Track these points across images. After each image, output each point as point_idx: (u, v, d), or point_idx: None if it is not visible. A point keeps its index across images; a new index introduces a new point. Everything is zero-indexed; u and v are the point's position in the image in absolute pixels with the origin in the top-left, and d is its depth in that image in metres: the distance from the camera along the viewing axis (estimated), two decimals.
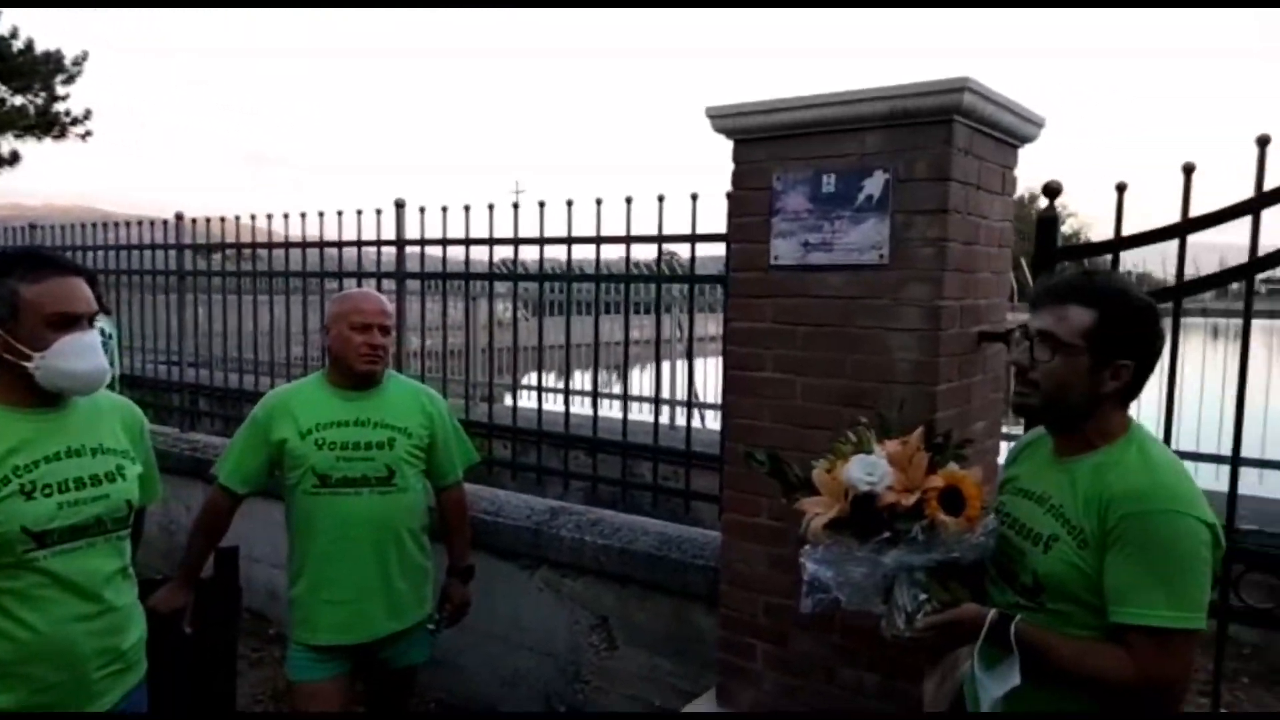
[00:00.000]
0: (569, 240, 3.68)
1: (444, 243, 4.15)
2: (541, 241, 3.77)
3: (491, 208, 3.98)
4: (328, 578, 2.54)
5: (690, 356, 3.50)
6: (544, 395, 3.96)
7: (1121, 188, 2.38)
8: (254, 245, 5.35)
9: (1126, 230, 2.37)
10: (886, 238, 2.41)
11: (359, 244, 4.57)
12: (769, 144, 2.60)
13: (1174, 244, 2.29)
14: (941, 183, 2.33)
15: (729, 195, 2.72)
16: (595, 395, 3.79)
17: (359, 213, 4.53)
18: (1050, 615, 1.62)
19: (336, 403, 2.58)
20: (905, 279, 2.39)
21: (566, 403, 3.89)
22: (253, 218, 5.17)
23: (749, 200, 2.67)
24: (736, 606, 2.76)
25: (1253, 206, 2.18)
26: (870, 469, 1.72)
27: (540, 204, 3.77)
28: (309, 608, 2.58)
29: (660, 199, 3.42)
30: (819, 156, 2.52)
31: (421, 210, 4.29)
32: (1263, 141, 2.17)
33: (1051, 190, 2.45)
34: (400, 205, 4.45)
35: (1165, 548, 1.49)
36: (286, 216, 4.96)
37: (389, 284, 4.53)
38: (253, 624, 4.45)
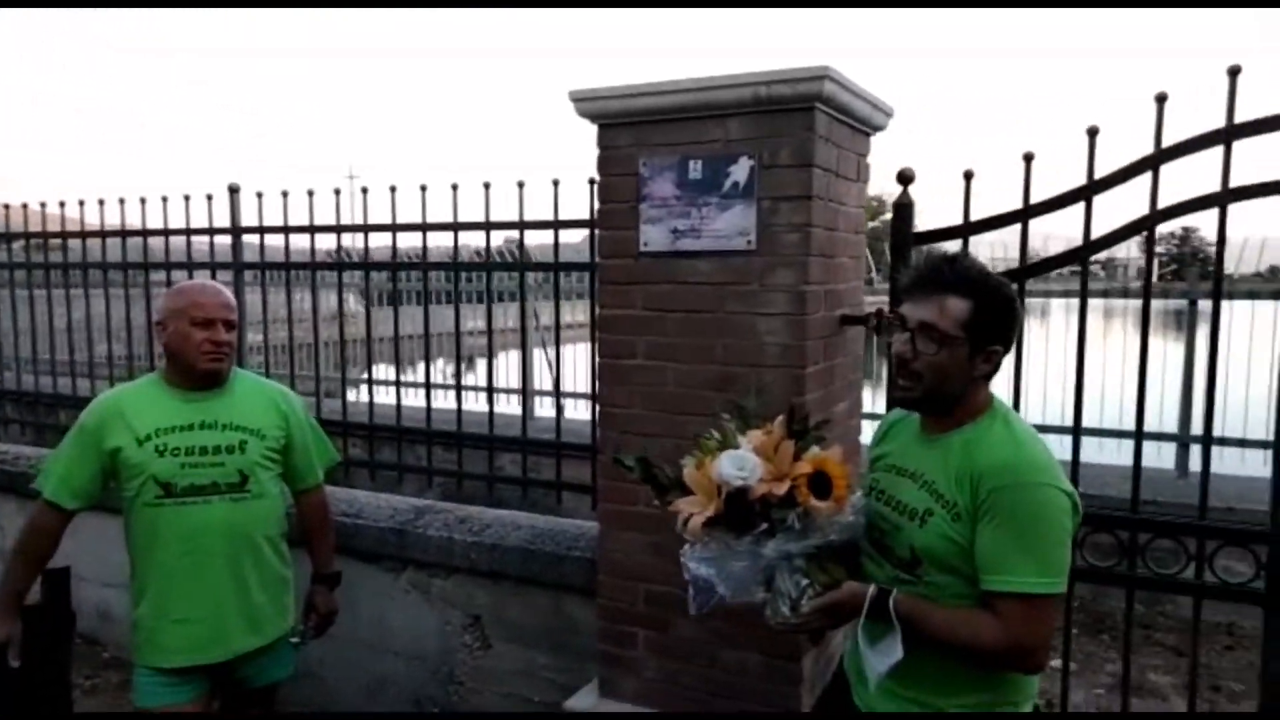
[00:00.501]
0: (423, 227, 3.53)
1: (285, 230, 3.90)
2: (394, 229, 3.60)
3: (338, 192, 3.78)
4: (177, 595, 2.34)
5: (558, 345, 3.44)
6: (399, 390, 3.78)
7: (969, 175, 2.50)
8: (63, 235, 4.86)
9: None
10: (754, 224, 2.43)
11: (188, 232, 4.22)
12: (634, 129, 2.57)
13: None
14: (805, 169, 2.37)
15: (597, 181, 2.67)
16: (459, 388, 3.67)
17: (186, 198, 4.19)
18: (928, 587, 1.69)
19: (177, 405, 2.37)
20: (772, 264, 2.43)
21: (429, 396, 3.75)
22: (62, 205, 4.69)
23: (616, 186, 2.63)
24: (616, 596, 2.74)
25: (1085, 193, 2.35)
26: (740, 464, 1.72)
27: (391, 189, 3.59)
28: (156, 629, 2.37)
29: (520, 185, 3.34)
30: (685, 143, 2.51)
31: (259, 195, 4.02)
32: (1092, 132, 2.33)
33: (905, 177, 2.55)
34: (234, 190, 4.15)
35: (1031, 518, 1.58)
36: (102, 203, 4.53)
37: (224, 275, 4.23)
38: (84, 650, 4.08)
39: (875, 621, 1.68)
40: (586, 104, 2.60)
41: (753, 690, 2.56)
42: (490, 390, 3.71)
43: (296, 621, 2.64)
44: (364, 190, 3.66)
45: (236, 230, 4.11)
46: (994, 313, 1.69)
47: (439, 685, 3.51)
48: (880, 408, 2.70)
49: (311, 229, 3.81)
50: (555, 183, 3.28)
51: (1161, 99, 2.23)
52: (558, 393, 3.39)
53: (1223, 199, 2.20)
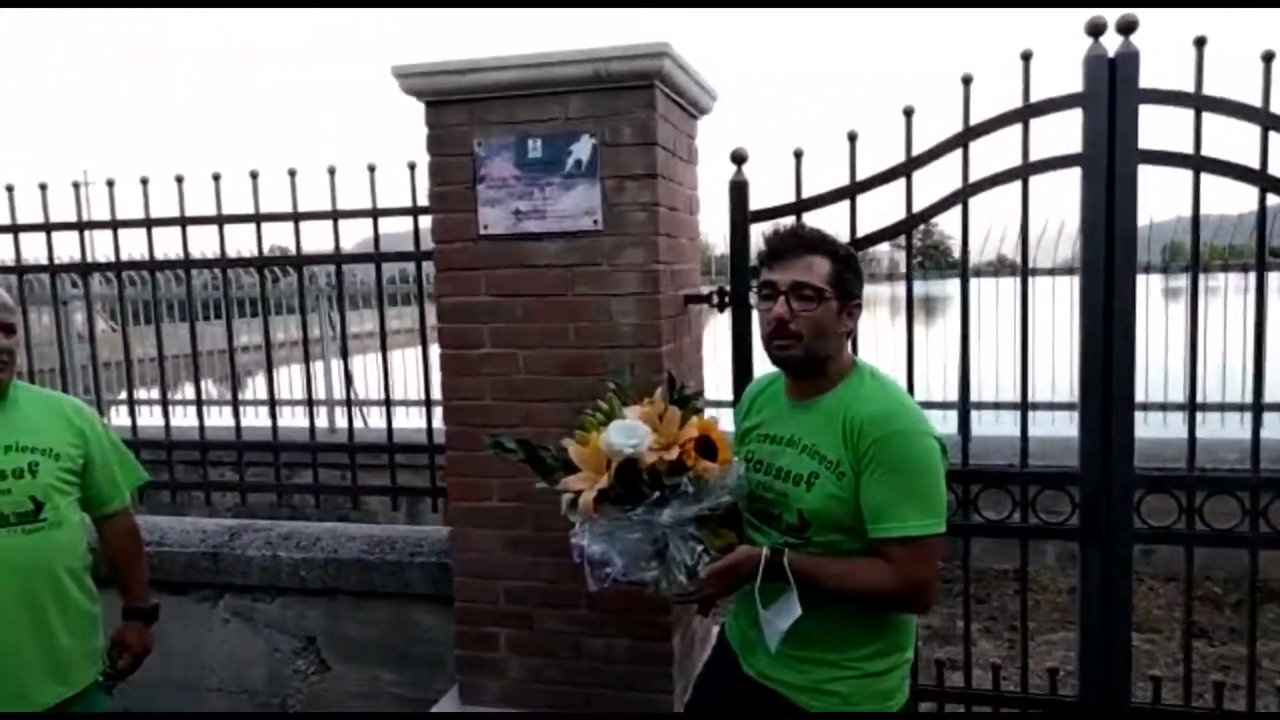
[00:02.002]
0: (221, 219, 3.18)
1: (13, 230, 3.37)
2: (149, 224, 3.20)
3: (111, 184, 3.34)
4: None
5: (384, 343, 3.22)
6: (200, 402, 3.40)
7: (799, 154, 2.59)
8: None
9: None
10: (599, 203, 2.39)
11: None
12: (467, 106, 2.46)
13: None
14: (649, 147, 2.36)
15: (429, 162, 2.52)
16: (272, 402, 3.36)
17: None
18: (816, 547, 1.73)
19: None
20: (621, 244, 2.40)
21: (236, 405, 3.40)
22: None
23: (449, 167, 2.50)
24: (474, 597, 2.62)
25: (906, 169, 2.50)
26: (629, 433, 1.69)
27: (143, 180, 3.21)
28: None
29: (331, 171, 3.10)
30: (523, 121, 2.43)
31: (9, 189, 3.48)
32: (908, 112, 2.48)
33: (738, 157, 2.59)
34: None
35: (910, 465, 1.65)
36: None
37: None
38: None
39: (769, 583, 1.69)
40: (414, 80, 2.45)
41: (622, 675, 2.53)
42: (310, 401, 3.42)
43: (105, 664, 2.31)
44: (109, 184, 3.23)
45: None
46: (851, 269, 1.79)
47: None
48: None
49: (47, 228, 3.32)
50: (371, 168, 3.06)
51: (967, 80, 2.41)
52: (388, 395, 3.17)
53: (1024, 173, 2.41)
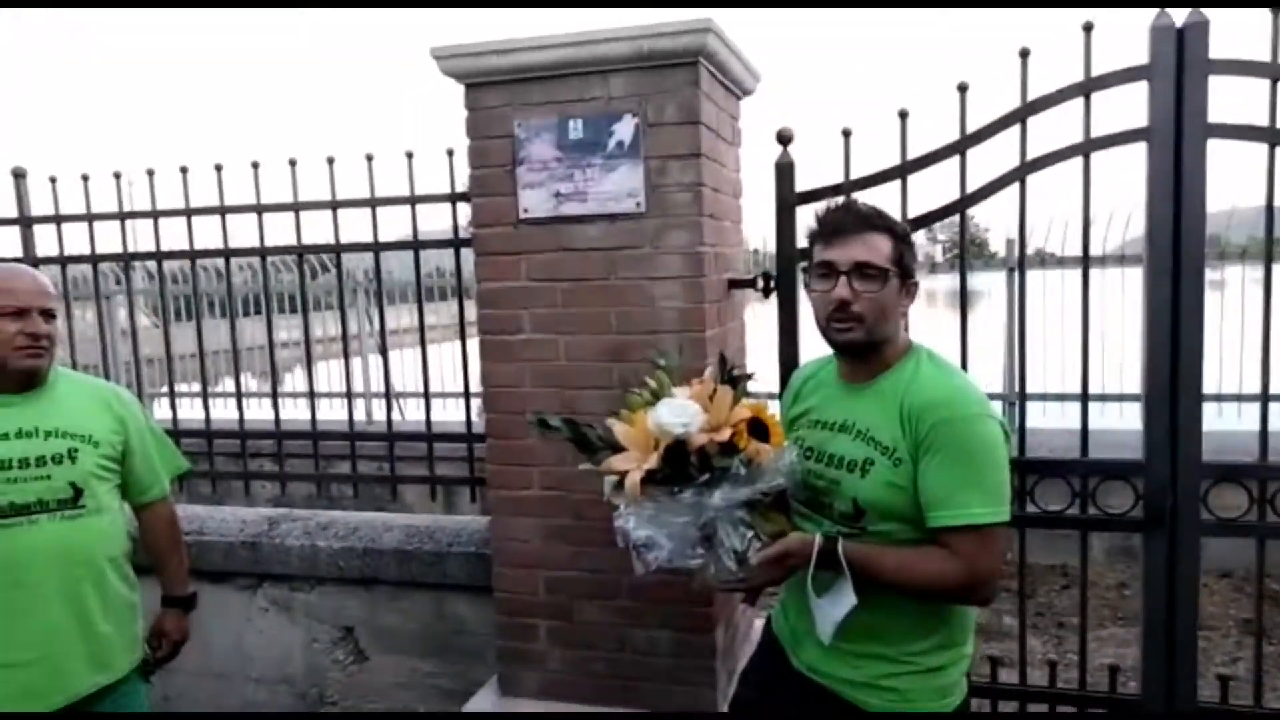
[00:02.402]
0: (260, 209, 3.17)
1: (56, 220, 3.38)
2: (189, 213, 3.20)
3: (151, 174, 3.34)
4: (0, 635, 1.97)
5: (423, 334, 3.19)
6: (240, 391, 3.39)
7: (847, 133, 2.51)
8: None
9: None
10: (642, 184, 2.33)
11: None
12: (507, 88, 2.41)
13: None
14: (693, 126, 2.30)
15: (468, 145, 2.48)
16: (311, 392, 3.35)
17: None
18: (872, 537, 1.65)
19: None
20: (665, 226, 2.34)
21: (275, 392, 3.39)
22: None
23: (489, 150, 2.46)
24: (514, 587, 2.58)
25: (959, 147, 2.40)
26: (679, 412, 1.63)
27: (182, 170, 3.21)
28: None
29: (369, 158, 3.07)
30: (564, 101, 2.37)
31: (52, 181, 3.50)
32: (962, 88, 2.39)
33: (784, 138, 2.52)
34: (20, 175, 3.60)
35: (973, 450, 1.57)
36: None
37: None
38: None
39: (822, 571, 1.63)
40: (453, 62, 2.41)
41: (665, 669, 2.47)
42: (349, 394, 3.40)
43: (144, 652, 2.30)
44: (150, 174, 3.25)
45: (26, 220, 3.57)
46: (908, 246, 1.71)
47: (308, 709, 3.20)
48: None
49: (123, 215, 3.35)
50: (409, 154, 3.03)
51: (1025, 54, 2.31)
52: (426, 384, 3.14)
53: (1086, 149, 2.31)
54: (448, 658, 3.04)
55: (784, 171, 2.51)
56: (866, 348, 1.69)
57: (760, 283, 2.58)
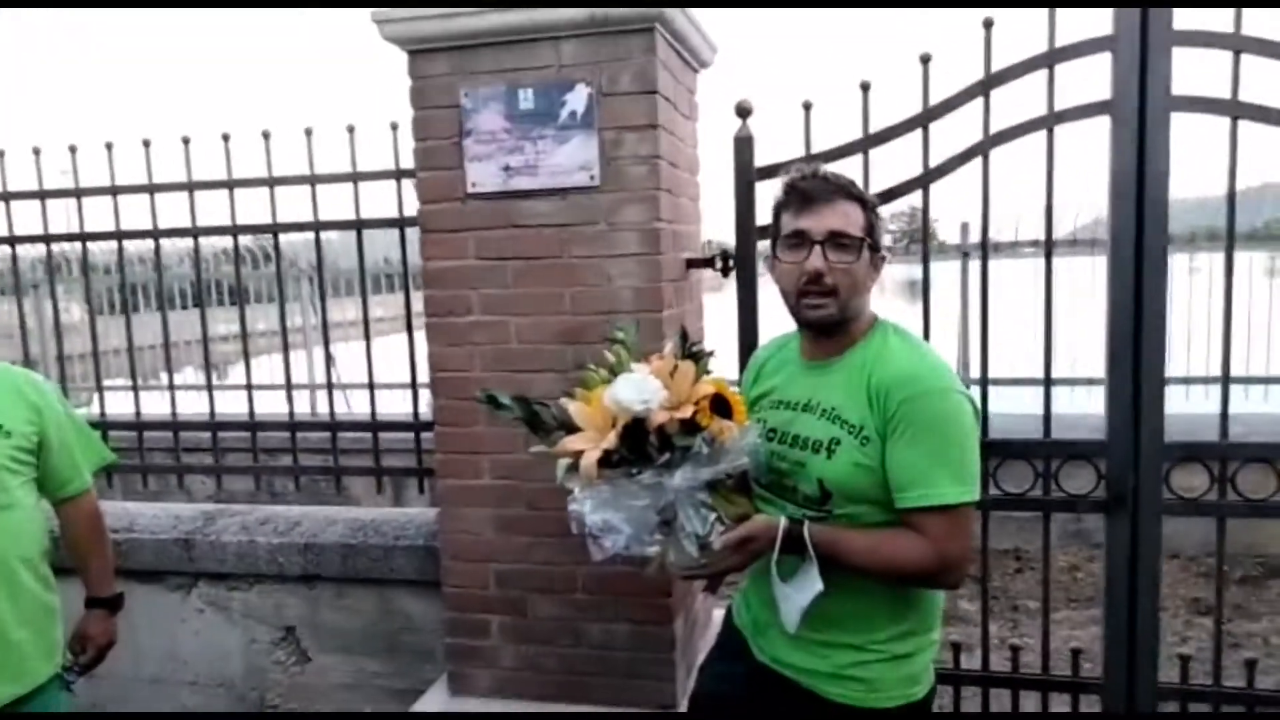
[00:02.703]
0: (192, 186, 2.99)
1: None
2: (114, 191, 3.01)
3: (73, 149, 3.13)
4: None
5: (366, 317, 3.04)
6: (170, 377, 3.21)
7: (808, 106, 2.43)
8: None
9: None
10: (596, 157, 2.23)
11: None
12: (452, 55, 2.29)
13: None
14: (649, 96, 2.20)
15: (412, 116, 2.35)
16: (249, 384, 3.18)
17: None
18: (838, 520, 1.58)
19: None
20: (620, 201, 2.24)
21: (210, 388, 3.21)
22: None
23: (434, 121, 2.33)
24: (463, 582, 2.47)
25: (922, 120, 2.34)
26: (639, 388, 1.53)
27: (145, 143, 3.02)
28: None
29: (308, 133, 2.91)
30: (513, 69, 2.26)
31: None
32: (925, 59, 2.33)
33: (743, 110, 2.43)
34: None
35: (942, 427, 1.51)
36: None
37: None
38: None
39: (787, 556, 1.54)
40: (394, 26, 2.28)
41: (622, 664, 2.38)
42: (289, 385, 3.22)
43: (65, 658, 2.14)
44: (73, 150, 3.05)
45: None
46: (878, 217, 1.65)
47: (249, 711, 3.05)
48: None
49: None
50: (350, 129, 2.88)
51: (989, 24, 2.25)
52: (370, 373, 2.99)
53: (1049, 122, 2.26)
54: (395, 656, 2.91)
55: (743, 145, 2.43)
56: (837, 324, 1.61)
57: (719, 262, 2.49)
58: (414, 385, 3.01)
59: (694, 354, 1.62)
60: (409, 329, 2.95)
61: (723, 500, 1.57)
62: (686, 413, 1.51)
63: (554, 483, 2.33)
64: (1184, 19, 2.13)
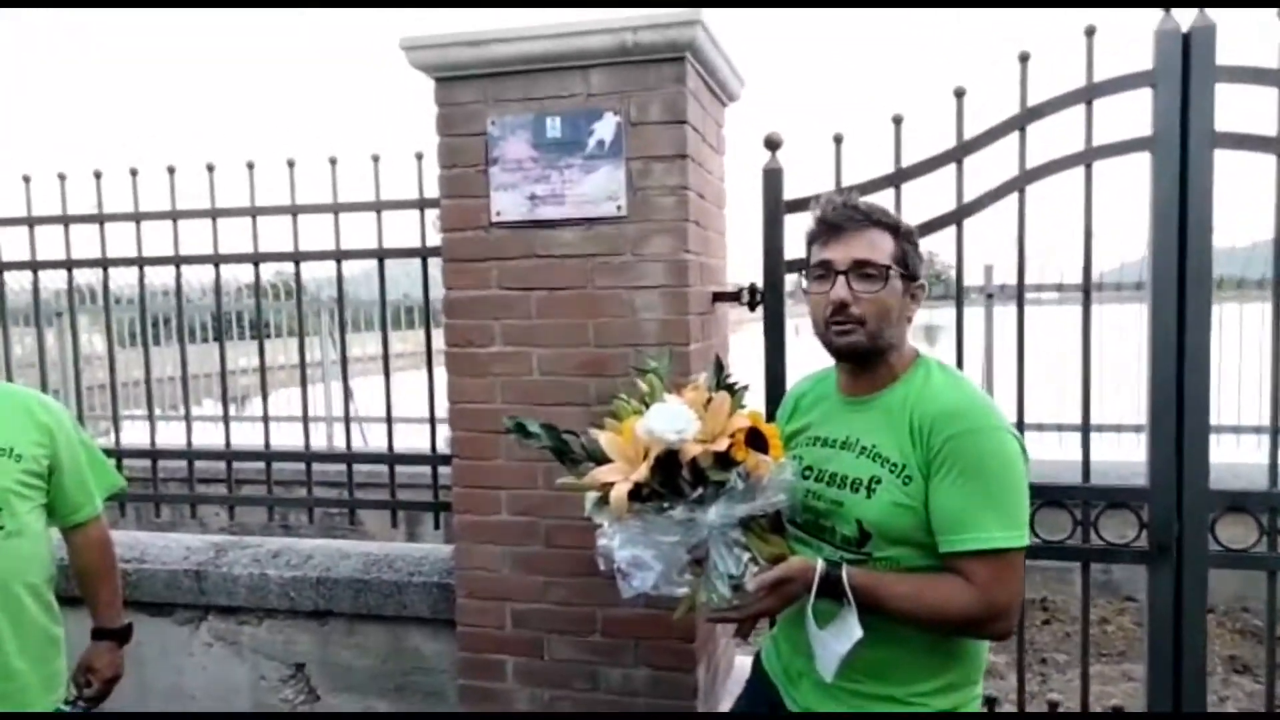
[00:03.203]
0: (215, 213, 2.98)
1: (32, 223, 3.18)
2: (176, 215, 3.03)
3: (98, 175, 3.13)
4: None
5: (385, 340, 3.00)
6: (187, 401, 3.18)
7: (839, 139, 2.39)
8: None
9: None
10: (623, 187, 2.19)
11: None
12: (481, 83, 2.27)
13: None
14: (678, 126, 2.17)
15: (438, 143, 2.33)
16: (265, 415, 3.14)
17: None
18: (877, 563, 1.50)
19: None
20: (646, 232, 2.19)
21: (226, 415, 3.18)
22: None
23: (460, 149, 2.31)
24: (479, 621, 2.39)
25: (956, 155, 2.30)
26: (673, 418, 1.47)
27: (170, 170, 3.02)
28: None
29: (333, 161, 2.90)
30: (541, 97, 2.24)
31: None
32: (959, 93, 2.29)
33: (772, 142, 2.39)
34: None
35: (991, 468, 1.43)
36: None
37: None
38: None
39: (822, 601, 1.47)
40: (422, 54, 2.27)
41: (642, 709, 2.29)
42: (305, 417, 3.18)
43: (69, 691, 2.08)
44: (98, 175, 3.06)
45: None
46: (912, 244, 1.59)
47: None
48: None
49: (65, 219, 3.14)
50: (375, 158, 2.87)
51: (1024, 58, 2.22)
52: (389, 403, 2.95)
53: (1087, 158, 2.21)
54: (406, 697, 2.82)
55: (772, 178, 2.39)
56: (870, 354, 1.55)
57: (746, 296, 2.44)
58: (432, 419, 2.96)
59: (729, 385, 1.56)
60: (429, 361, 2.91)
61: (757, 539, 1.50)
62: (721, 446, 1.45)
63: (573, 519, 2.29)
64: (1226, 54, 2.09)
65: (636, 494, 1.47)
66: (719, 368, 1.62)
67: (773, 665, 1.73)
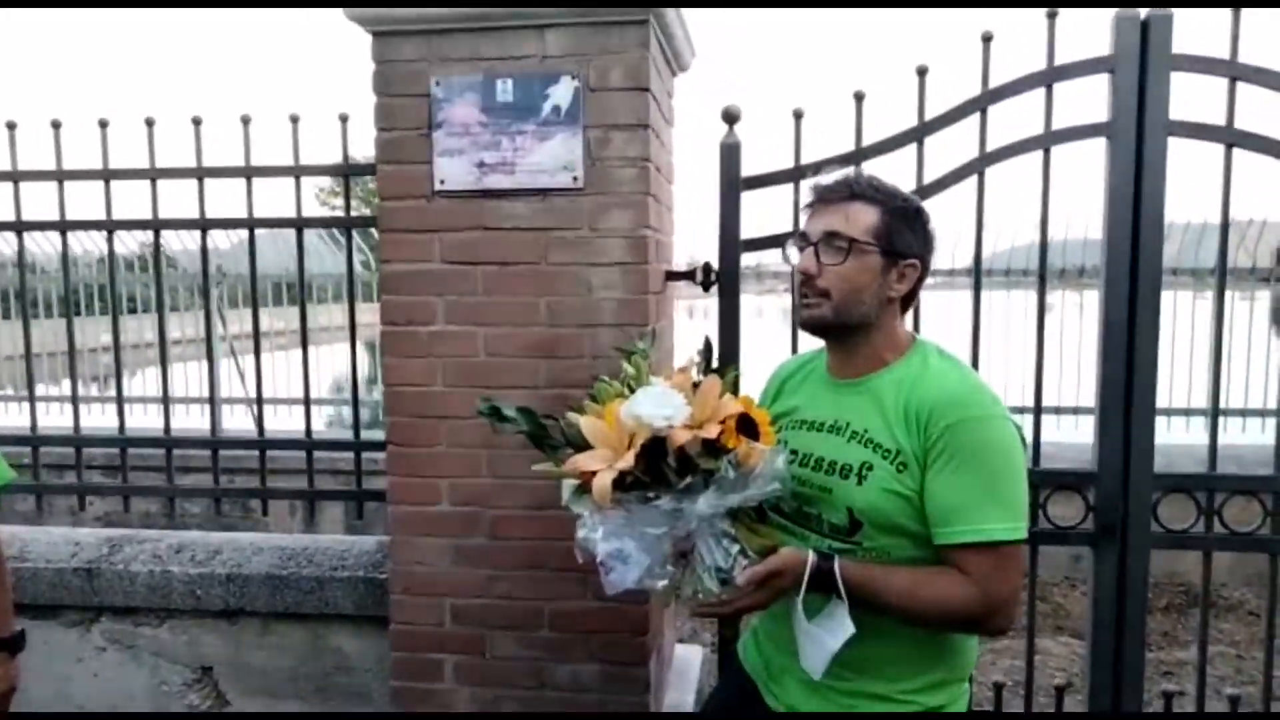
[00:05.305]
0: (108, 174, 2.68)
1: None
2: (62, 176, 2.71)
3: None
4: None
5: (304, 319, 2.77)
6: (75, 387, 2.88)
7: (799, 115, 2.32)
8: None
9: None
10: (580, 156, 2.06)
11: None
12: (424, 39, 2.09)
13: None
14: (641, 93, 2.05)
15: (375, 104, 2.14)
16: (165, 396, 2.86)
17: None
18: (867, 553, 1.44)
19: None
20: (605, 205, 2.07)
21: (120, 396, 2.88)
22: None
23: (400, 110, 2.12)
24: (415, 618, 2.23)
25: (917, 134, 2.26)
26: (662, 402, 1.36)
27: (55, 124, 2.70)
28: None
29: (246, 121, 2.64)
30: (491, 58, 2.08)
31: None
32: (922, 72, 2.24)
33: (730, 115, 2.30)
34: None
35: (989, 456, 1.38)
36: None
37: None
38: None
39: (811, 594, 1.39)
40: (359, 8, 2.07)
41: (591, 707, 2.18)
42: (213, 399, 2.92)
43: None
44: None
45: None
46: (905, 220, 1.49)
47: None
48: None
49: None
50: (294, 118, 2.62)
51: (988, 39, 2.19)
52: (306, 384, 2.73)
53: (1046, 142, 2.21)
54: (326, 699, 2.63)
55: (730, 152, 2.30)
56: (835, 329, 1.50)
57: (700, 275, 2.35)
58: (355, 401, 2.76)
59: (719, 369, 1.46)
60: (353, 340, 2.70)
61: (745, 530, 1.41)
62: (712, 432, 1.35)
63: (519, 510, 2.16)
64: (1183, 43, 2.11)
65: (620, 483, 1.36)
66: (708, 349, 1.52)
67: (752, 661, 1.65)
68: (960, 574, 1.38)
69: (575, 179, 2.06)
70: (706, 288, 2.36)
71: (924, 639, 1.46)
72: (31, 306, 3.34)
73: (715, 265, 2.32)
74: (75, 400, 2.89)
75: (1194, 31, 2.15)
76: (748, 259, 2.33)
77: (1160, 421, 2.28)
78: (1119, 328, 2.19)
